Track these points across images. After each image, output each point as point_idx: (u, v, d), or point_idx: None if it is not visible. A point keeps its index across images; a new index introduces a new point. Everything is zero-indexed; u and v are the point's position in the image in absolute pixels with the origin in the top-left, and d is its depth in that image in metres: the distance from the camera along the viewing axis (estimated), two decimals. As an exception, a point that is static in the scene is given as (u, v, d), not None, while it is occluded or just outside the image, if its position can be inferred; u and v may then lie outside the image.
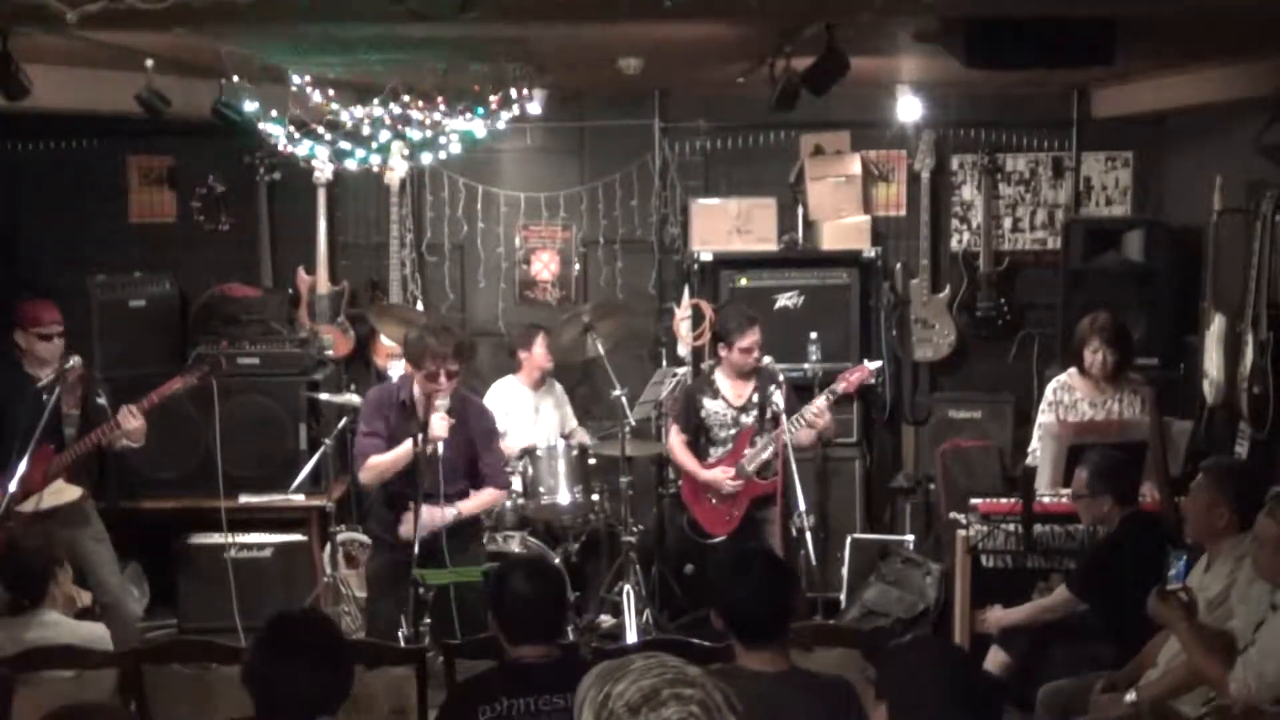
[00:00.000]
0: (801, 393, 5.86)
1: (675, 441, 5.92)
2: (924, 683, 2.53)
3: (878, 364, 5.97)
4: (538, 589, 3.36)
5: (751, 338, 5.65)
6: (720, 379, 5.82)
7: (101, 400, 5.48)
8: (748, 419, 5.74)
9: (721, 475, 5.72)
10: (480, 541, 5.43)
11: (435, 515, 4.95)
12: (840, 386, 5.63)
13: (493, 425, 5.29)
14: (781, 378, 5.62)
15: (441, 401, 4.94)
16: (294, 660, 2.85)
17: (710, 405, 5.80)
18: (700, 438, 5.88)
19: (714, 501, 5.79)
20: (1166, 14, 4.34)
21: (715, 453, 5.83)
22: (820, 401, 5.54)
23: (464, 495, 5.14)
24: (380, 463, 5.10)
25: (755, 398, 5.73)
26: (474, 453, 5.14)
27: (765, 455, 5.64)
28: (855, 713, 3.19)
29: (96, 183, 7.10)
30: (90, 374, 5.52)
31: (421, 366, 4.99)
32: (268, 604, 6.15)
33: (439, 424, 4.91)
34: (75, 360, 5.31)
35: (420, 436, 4.89)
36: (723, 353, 5.78)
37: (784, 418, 5.43)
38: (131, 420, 5.26)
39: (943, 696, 2.49)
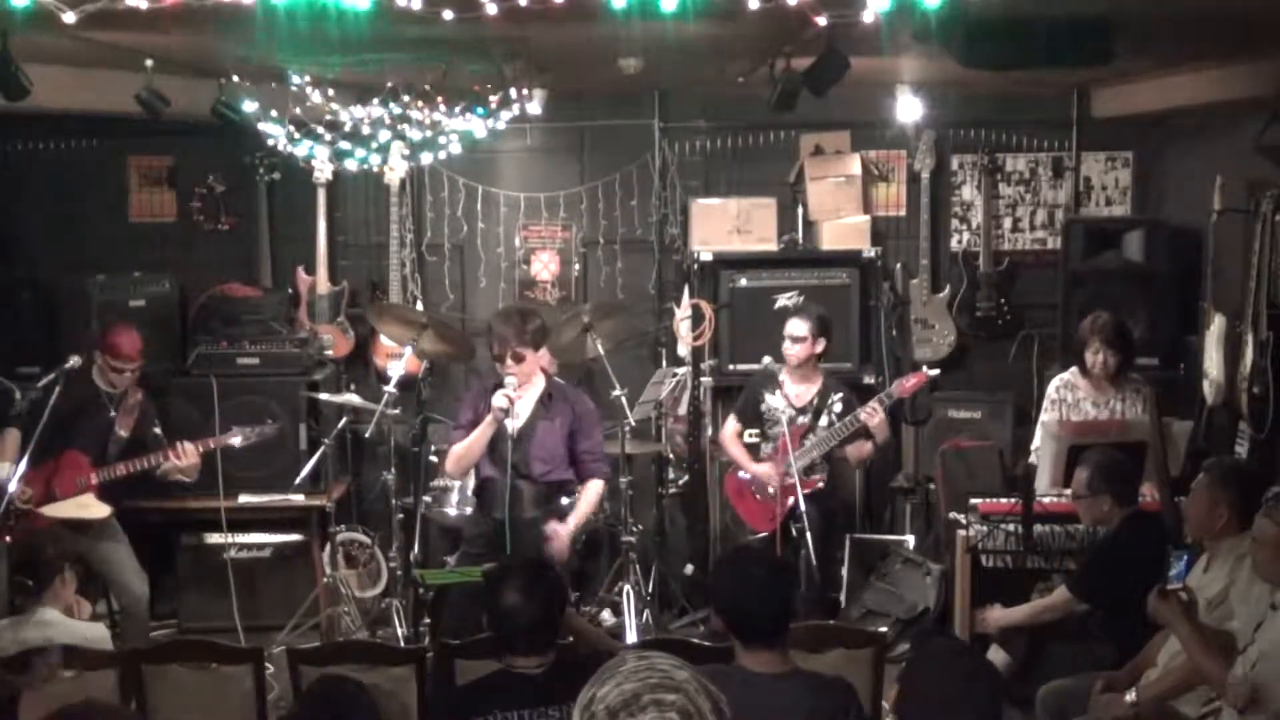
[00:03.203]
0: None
1: (729, 432, 6.00)
2: (937, 679, 2.55)
3: (935, 371, 5.97)
4: (530, 599, 3.31)
5: (790, 328, 5.77)
6: (786, 377, 5.86)
7: (157, 430, 5.62)
8: (803, 420, 5.76)
9: (770, 470, 5.73)
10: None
11: (560, 539, 5.05)
12: (895, 390, 5.67)
13: (589, 412, 5.28)
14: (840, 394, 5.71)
15: (510, 380, 4.98)
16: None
17: (770, 400, 5.86)
18: (758, 429, 5.93)
19: (758, 498, 5.81)
20: (1166, 14, 4.34)
21: (765, 449, 5.87)
22: (871, 404, 5.57)
23: (565, 486, 5.19)
24: (458, 450, 5.15)
25: (815, 402, 5.76)
26: (574, 442, 5.17)
27: (811, 455, 5.67)
28: (855, 713, 3.19)
29: (96, 183, 7.11)
30: (149, 406, 5.64)
31: (492, 350, 5.09)
32: (268, 604, 6.17)
33: (498, 398, 4.96)
34: (75, 360, 5.35)
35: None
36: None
37: (785, 431, 5.47)
38: (191, 457, 5.46)
39: (952, 695, 2.50)
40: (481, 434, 5.03)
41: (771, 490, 5.71)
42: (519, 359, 5.00)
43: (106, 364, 5.48)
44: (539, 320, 5.17)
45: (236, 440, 5.61)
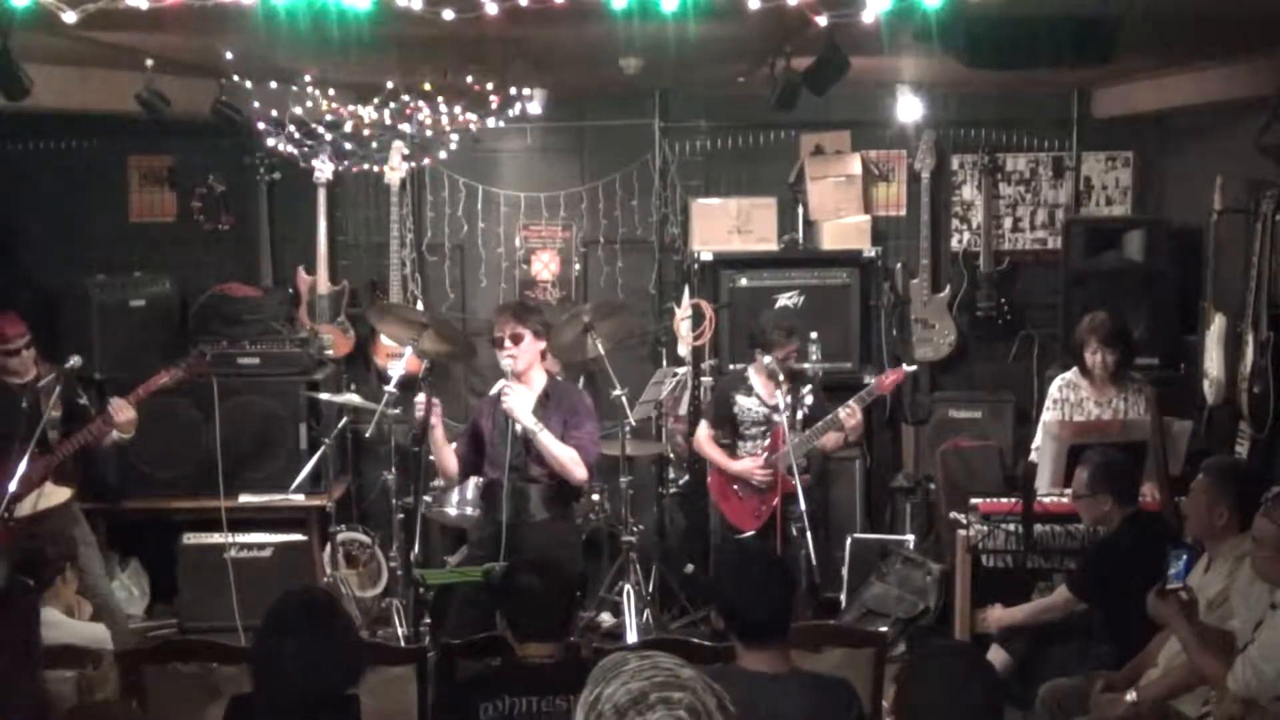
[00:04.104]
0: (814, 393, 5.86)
1: (703, 436, 5.94)
2: (935, 681, 2.55)
3: (913, 367, 5.96)
4: (549, 585, 3.36)
5: (789, 349, 5.67)
6: (754, 377, 5.83)
7: (83, 400, 5.48)
8: (779, 418, 5.75)
9: (751, 464, 5.72)
10: (571, 523, 5.40)
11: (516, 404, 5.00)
12: (875, 388, 5.65)
13: (583, 407, 5.26)
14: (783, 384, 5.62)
15: (506, 362, 5.04)
16: (290, 636, 2.82)
17: (743, 402, 5.82)
18: (730, 434, 5.90)
19: (741, 496, 5.80)
20: (1167, 13, 4.34)
21: (745, 448, 5.85)
22: (851, 403, 5.55)
23: (557, 486, 5.14)
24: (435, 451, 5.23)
25: (789, 398, 5.75)
26: (565, 435, 5.13)
27: (793, 454, 5.65)
28: (855, 713, 3.19)
29: (96, 183, 7.10)
30: (68, 375, 5.44)
31: (493, 337, 5.15)
32: (268, 604, 6.15)
33: (501, 383, 5.04)
34: (75, 360, 5.32)
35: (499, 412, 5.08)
36: (758, 356, 5.76)
37: (785, 426, 5.45)
38: (125, 412, 5.27)
39: (950, 696, 2.50)
40: (437, 441, 5.17)
41: (756, 482, 5.71)
42: (517, 340, 5.04)
43: (2, 357, 5.32)
44: (542, 314, 5.23)
45: (168, 378, 5.43)
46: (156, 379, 5.39)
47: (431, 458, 5.27)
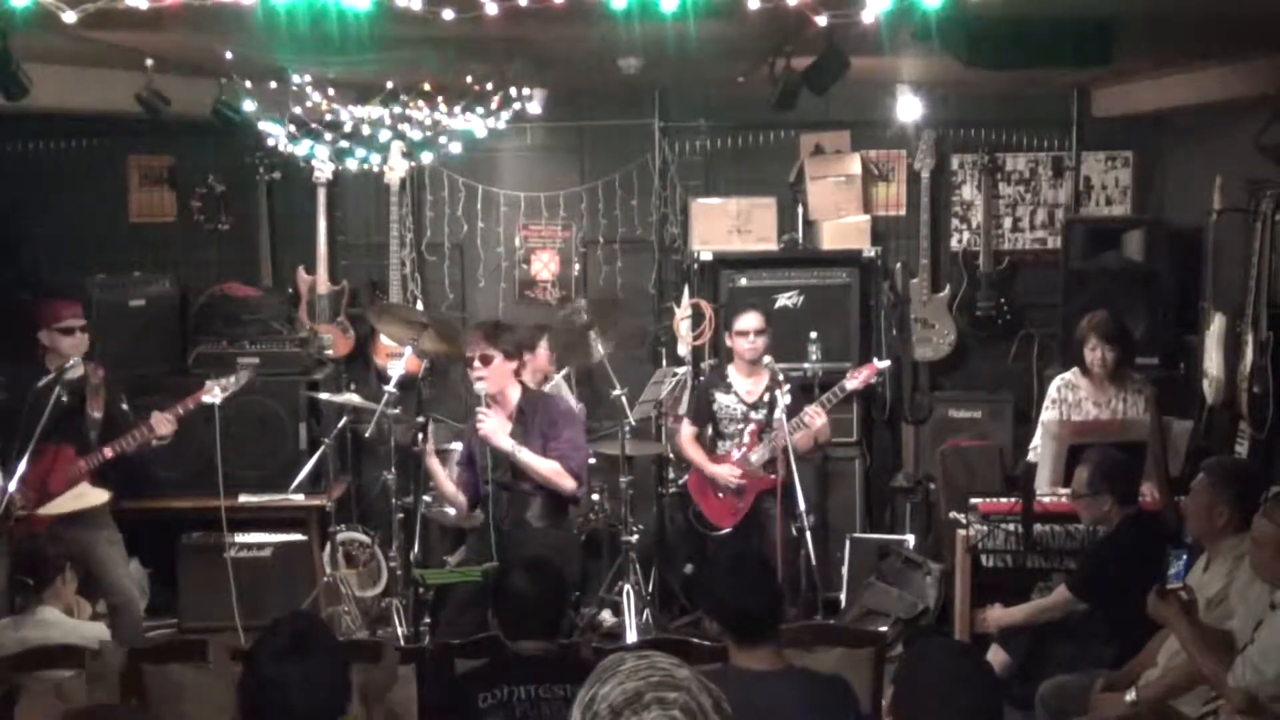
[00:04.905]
0: (804, 393, 5.85)
1: (685, 434, 5.96)
2: (932, 681, 2.54)
3: (886, 363, 5.97)
4: (538, 588, 3.41)
5: (747, 322, 5.70)
6: (734, 375, 5.86)
7: (125, 406, 5.53)
8: (758, 415, 5.76)
9: (727, 472, 5.74)
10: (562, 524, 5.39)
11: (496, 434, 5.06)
12: (849, 384, 5.65)
13: (560, 415, 5.28)
14: (782, 377, 5.62)
15: (480, 386, 5.09)
16: (287, 663, 2.69)
17: (722, 399, 5.84)
18: (710, 431, 5.93)
19: (720, 495, 5.81)
20: (1166, 14, 4.34)
21: (724, 446, 5.86)
22: (814, 407, 5.55)
23: (549, 494, 5.16)
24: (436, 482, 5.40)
25: (766, 396, 5.75)
26: (545, 449, 5.16)
27: (767, 453, 5.66)
28: (853, 711, 3.19)
29: (96, 183, 7.11)
30: (111, 381, 5.53)
31: (464, 355, 5.22)
32: (268, 604, 6.16)
33: (480, 414, 5.10)
34: (75, 361, 5.31)
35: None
36: (728, 342, 5.84)
37: (783, 418, 5.44)
38: (167, 425, 5.34)
39: (947, 697, 2.50)
40: (435, 473, 5.35)
41: (732, 488, 5.73)
42: (486, 361, 5.10)
43: (57, 335, 5.32)
44: (516, 335, 5.30)
45: (214, 397, 5.46)
46: (202, 392, 5.44)
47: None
